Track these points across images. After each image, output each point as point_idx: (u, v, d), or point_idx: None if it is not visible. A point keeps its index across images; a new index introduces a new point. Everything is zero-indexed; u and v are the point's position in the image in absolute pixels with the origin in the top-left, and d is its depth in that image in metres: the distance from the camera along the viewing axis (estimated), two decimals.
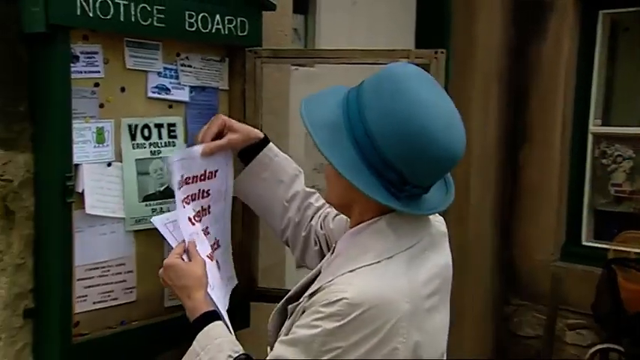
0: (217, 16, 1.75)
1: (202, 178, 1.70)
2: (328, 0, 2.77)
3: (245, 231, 1.91)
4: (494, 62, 3.40)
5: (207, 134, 1.70)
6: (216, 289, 1.62)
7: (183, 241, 1.60)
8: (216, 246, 1.74)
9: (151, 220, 1.64)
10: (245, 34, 1.83)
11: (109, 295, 1.65)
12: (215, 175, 1.73)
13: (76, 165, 1.54)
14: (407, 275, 1.30)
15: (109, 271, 1.65)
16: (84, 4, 1.48)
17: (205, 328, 1.48)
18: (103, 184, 1.60)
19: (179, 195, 1.63)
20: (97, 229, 1.61)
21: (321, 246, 1.70)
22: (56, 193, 1.49)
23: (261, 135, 1.74)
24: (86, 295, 1.61)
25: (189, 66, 1.78)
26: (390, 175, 1.26)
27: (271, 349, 1.42)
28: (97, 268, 1.62)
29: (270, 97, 2.07)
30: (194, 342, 1.47)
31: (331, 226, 1.67)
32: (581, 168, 3.62)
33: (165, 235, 1.61)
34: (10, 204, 1.52)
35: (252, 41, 1.85)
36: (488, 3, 3.34)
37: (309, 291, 1.34)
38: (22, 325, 1.56)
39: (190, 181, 1.67)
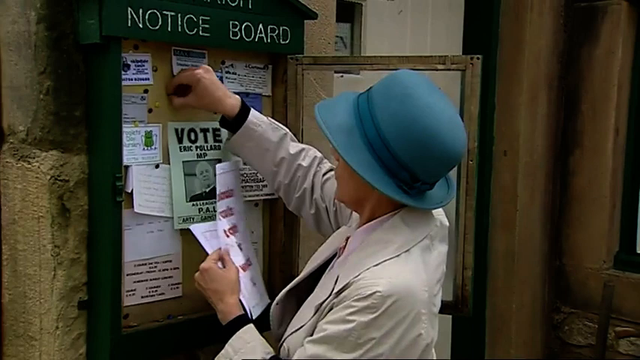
0: (260, 26, 1.83)
1: (228, 195, 1.79)
2: (374, 9, 2.81)
3: (286, 231, 1.97)
4: (542, 68, 3.36)
5: (173, 82, 1.72)
6: (249, 298, 1.70)
7: (219, 248, 1.69)
8: (248, 263, 1.82)
9: (190, 227, 1.72)
10: (287, 42, 1.90)
11: (156, 290, 1.74)
12: (233, 194, 1.82)
13: (126, 167, 1.64)
14: (423, 265, 1.41)
15: (156, 267, 1.73)
16: (134, 16, 1.58)
17: (239, 332, 1.55)
18: (150, 184, 1.69)
19: (218, 207, 1.73)
20: (145, 227, 1.70)
21: (317, 210, 1.79)
22: (107, 193, 1.58)
23: (236, 108, 1.74)
24: (135, 290, 1.69)
25: (234, 73, 1.86)
26: (402, 175, 1.37)
27: (278, 342, 1.51)
28: (145, 264, 1.71)
29: (312, 103, 2.13)
30: (227, 345, 1.54)
31: (320, 192, 1.78)
32: (636, 174, 3.54)
33: (202, 243, 1.70)
34: (66, 202, 1.63)
35: (294, 49, 1.92)
36: (537, 8, 3.31)
37: (335, 289, 1.41)
38: (76, 315, 1.66)
39: (223, 196, 1.76)
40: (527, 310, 3.47)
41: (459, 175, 1.83)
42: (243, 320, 1.59)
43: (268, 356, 1.50)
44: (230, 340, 1.55)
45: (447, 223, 1.55)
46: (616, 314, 3.32)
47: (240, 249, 1.79)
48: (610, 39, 3.42)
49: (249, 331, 1.57)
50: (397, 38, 2.92)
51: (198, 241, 1.70)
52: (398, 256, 1.39)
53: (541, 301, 3.56)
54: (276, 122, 1.82)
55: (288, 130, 1.82)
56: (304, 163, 1.79)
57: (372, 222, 1.47)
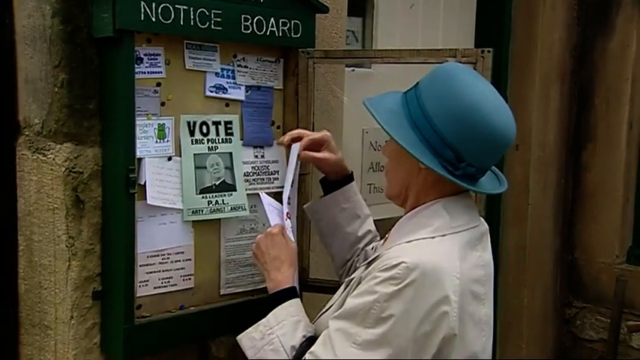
0: (272, 19, 1.84)
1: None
2: (385, 3, 2.81)
3: (298, 224, 1.98)
4: (555, 61, 3.35)
5: (308, 137, 1.79)
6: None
7: (282, 225, 1.70)
8: None
9: (260, 194, 1.80)
10: (298, 35, 1.91)
11: (168, 281, 1.75)
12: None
13: (139, 159, 1.65)
14: (459, 254, 1.38)
15: (168, 258, 1.75)
16: (147, 10, 1.59)
17: (286, 303, 1.53)
18: (163, 177, 1.71)
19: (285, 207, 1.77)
20: (157, 219, 1.71)
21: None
22: (120, 185, 1.60)
23: (349, 170, 1.84)
24: (147, 280, 1.71)
25: (246, 66, 1.87)
26: (447, 154, 1.37)
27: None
28: (158, 256, 1.73)
29: (323, 96, 2.15)
30: (270, 314, 1.51)
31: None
32: None
33: (267, 211, 1.73)
34: (80, 194, 1.65)
35: (305, 42, 1.93)
36: (550, 1, 3.30)
37: (366, 262, 1.43)
38: (91, 305, 1.69)
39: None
40: (539, 304, 3.47)
41: None
42: (293, 293, 1.57)
43: (309, 334, 1.47)
44: (275, 310, 1.52)
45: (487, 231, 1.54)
46: (628, 309, 3.31)
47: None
48: (624, 32, 3.41)
49: (297, 305, 1.55)
50: (409, 32, 2.92)
51: (264, 209, 1.74)
52: (432, 238, 1.38)
53: (553, 296, 3.56)
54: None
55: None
56: (368, 248, 1.83)
57: (414, 209, 1.47)
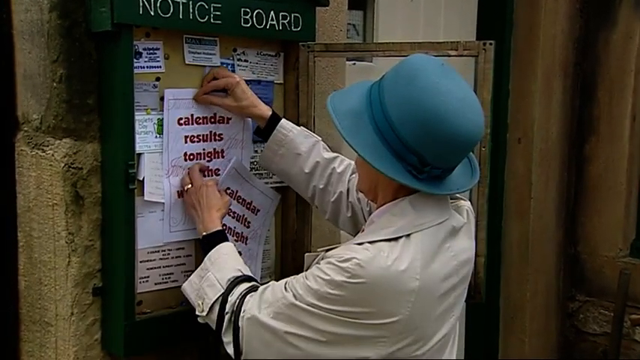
0: (272, 13, 1.82)
1: (212, 120, 1.80)
2: None
3: (299, 219, 1.98)
4: (558, 54, 3.33)
5: (210, 85, 1.75)
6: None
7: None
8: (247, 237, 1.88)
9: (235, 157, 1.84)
10: (299, 29, 1.89)
11: (169, 277, 1.75)
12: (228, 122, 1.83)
13: (138, 154, 1.64)
14: (422, 254, 1.37)
15: (169, 254, 1.74)
16: (146, 4, 1.58)
17: (218, 246, 1.63)
18: (161, 172, 1.70)
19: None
20: (157, 215, 1.71)
21: (354, 212, 1.78)
22: (120, 180, 1.59)
23: (268, 112, 1.79)
24: (148, 277, 1.71)
25: (246, 60, 1.86)
26: (410, 158, 1.34)
27: None
28: (158, 252, 1.72)
29: (324, 90, 2.13)
30: (206, 258, 1.62)
31: (356, 195, 1.76)
32: None
33: (227, 170, 1.82)
34: (79, 190, 1.64)
35: (305, 36, 1.91)
36: None
37: (327, 248, 1.44)
38: (91, 302, 1.68)
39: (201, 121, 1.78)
40: (542, 298, 3.46)
41: None
42: (222, 235, 1.66)
43: (239, 273, 1.56)
44: (209, 254, 1.62)
45: (474, 214, 1.55)
46: (632, 302, 3.30)
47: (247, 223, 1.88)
48: (627, 24, 3.38)
49: (227, 245, 1.64)
50: (410, 26, 2.90)
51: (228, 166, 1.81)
52: (395, 239, 1.37)
53: (556, 289, 3.55)
54: (308, 130, 1.84)
55: (320, 139, 1.83)
56: (338, 169, 1.79)
57: (383, 206, 1.46)
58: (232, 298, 1.50)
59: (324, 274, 1.35)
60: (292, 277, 1.44)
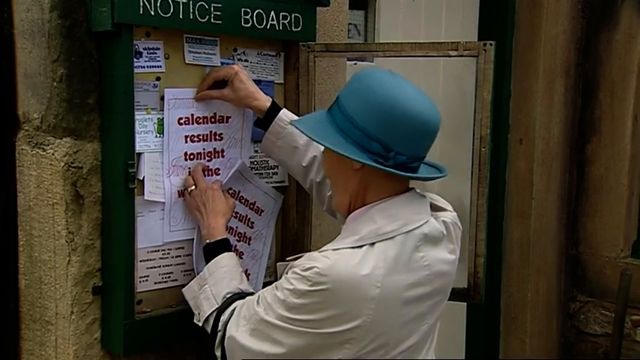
0: (272, 13, 1.83)
1: (212, 120, 1.80)
2: None
3: (299, 218, 1.98)
4: (559, 54, 3.32)
5: (211, 77, 1.76)
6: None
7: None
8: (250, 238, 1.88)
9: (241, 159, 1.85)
10: (299, 29, 1.90)
11: (169, 277, 1.75)
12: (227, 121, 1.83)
13: (138, 154, 1.65)
14: (385, 262, 1.38)
15: (168, 254, 1.75)
16: (146, 3, 1.58)
17: (219, 257, 1.64)
18: (161, 172, 1.70)
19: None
20: (157, 214, 1.71)
21: None
22: (120, 180, 1.60)
23: (267, 104, 1.78)
24: (148, 276, 1.71)
25: (246, 60, 1.86)
26: (373, 146, 1.39)
27: None
28: (158, 251, 1.73)
29: (324, 90, 2.13)
30: (205, 268, 1.64)
31: None
32: None
33: (232, 172, 1.83)
34: (80, 189, 1.64)
35: (306, 36, 1.92)
36: None
37: (295, 257, 1.47)
38: (91, 301, 1.68)
39: (201, 121, 1.77)
40: (543, 298, 3.45)
41: (471, 162, 1.82)
42: (225, 245, 1.67)
43: (236, 289, 1.59)
44: (209, 264, 1.64)
45: (460, 228, 1.55)
46: (633, 303, 3.29)
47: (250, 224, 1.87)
48: (629, 24, 3.38)
49: (227, 257, 1.65)
50: (411, 26, 2.90)
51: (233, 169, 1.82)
52: (359, 247, 1.39)
53: (557, 290, 3.55)
54: None
55: None
56: None
57: (354, 212, 1.49)
58: (224, 317, 1.54)
59: (289, 284, 1.39)
60: (265, 288, 1.48)
